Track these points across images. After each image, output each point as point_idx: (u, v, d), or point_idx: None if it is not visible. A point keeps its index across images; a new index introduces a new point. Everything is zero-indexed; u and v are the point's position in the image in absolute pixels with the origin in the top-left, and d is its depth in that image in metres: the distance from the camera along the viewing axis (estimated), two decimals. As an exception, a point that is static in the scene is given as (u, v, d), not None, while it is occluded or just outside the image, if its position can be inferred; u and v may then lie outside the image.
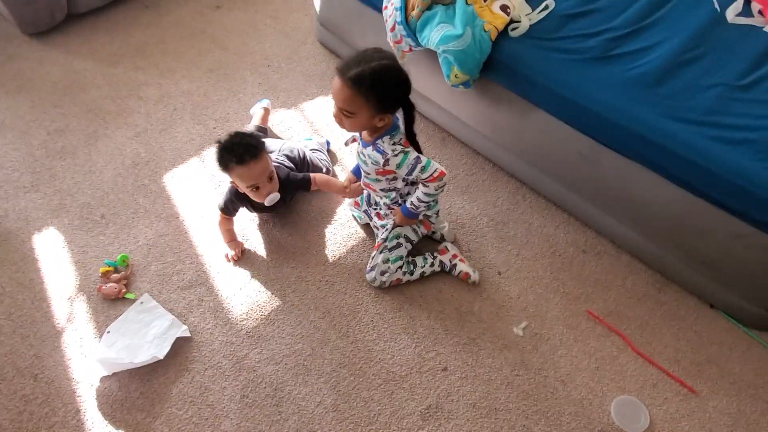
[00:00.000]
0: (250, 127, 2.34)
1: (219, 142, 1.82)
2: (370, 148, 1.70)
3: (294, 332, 1.86)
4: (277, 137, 2.42)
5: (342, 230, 2.14)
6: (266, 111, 2.42)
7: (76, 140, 2.37)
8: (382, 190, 1.86)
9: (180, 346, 1.79)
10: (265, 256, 2.04)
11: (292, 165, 2.06)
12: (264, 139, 2.00)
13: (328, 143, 2.42)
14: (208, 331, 1.84)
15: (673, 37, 1.94)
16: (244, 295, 1.94)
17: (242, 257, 2.02)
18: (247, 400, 1.71)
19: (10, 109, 2.48)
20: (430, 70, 2.19)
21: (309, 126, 2.49)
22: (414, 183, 1.80)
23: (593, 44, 1.94)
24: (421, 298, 1.96)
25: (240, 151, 1.77)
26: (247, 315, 1.89)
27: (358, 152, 1.83)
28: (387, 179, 1.80)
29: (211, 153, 2.36)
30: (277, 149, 2.12)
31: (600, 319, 1.92)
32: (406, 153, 1.66)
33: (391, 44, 2.11)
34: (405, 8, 2.01)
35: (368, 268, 1.94)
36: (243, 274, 1.99)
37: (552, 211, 2.23)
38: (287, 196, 2.02)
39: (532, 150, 2.13)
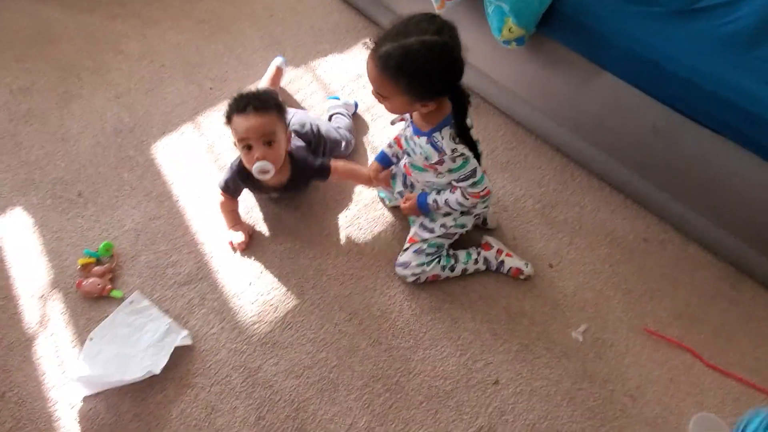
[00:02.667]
0: (262, 83, 1.99)
1: (236, 94, 1.57)
2: (424, 139, 1.41)
3: (316, 338, 1.56)
4: (296, 105, 2.07)
5: (366, 213, 1.82)
6: (278, 71, 2.06)
7: (45, 102, 1.99)
8: (426, 182, 1.59)
9: (180, 355, 1.48)
10: (277, 245, 1.72)
11: (303, 143, 1.73)
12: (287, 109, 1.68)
13: (356, 105, 2.08)
14: (213, 337, 1.53)
15: (766, -11, 1.63)
16: (254, 293, 1.62)
17: (250, 244, 1.70)
18: (263, 422, 1.41)
19: (-36, 62, 2.08)
20: (470, 23, 1.84)
21: (323, 89, 2.14)
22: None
23: (674, -6, 1.61)
24: (464, 296, 1.67)
25: (245, 100, 1.52)
26: (259, 317, 1.58)
27: (404, 136, 1.53)
28: (435, 173, 1.51)
29: (209, 118, 2.01)
30: (288, 118, 1.77)
31: (662, 336, 1.65)
32: (466, 160, 1.42)
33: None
34: (449, -55, 1.65)
35: (399, 262, 1.64)
36: (252, 266, 1.67)
37: (606, 193, 1.93)
38: (300, 183, 1.70)
39: (590, 122, 1.82)
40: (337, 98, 2.06)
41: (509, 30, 1.64)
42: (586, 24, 1.61)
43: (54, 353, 1.47)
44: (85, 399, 1.41)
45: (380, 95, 1.32)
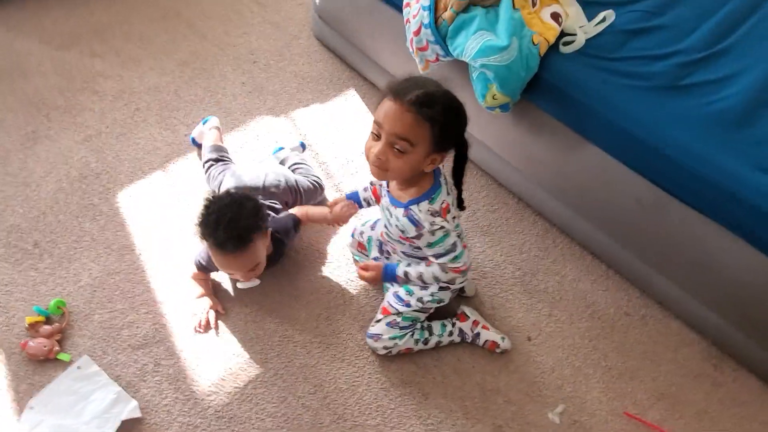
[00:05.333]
0: (206, 150, 1.85)
1: (207, 201, 1.43)
2: (401, 211, 1.33)
3: (276, 413, 1.46)
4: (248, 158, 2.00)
5: (339, 275, 1.74)
6: (219, 130, 1.97)
7: (10, 141, 1.90)
8: (403, 252, 1.50)
9: (126, 429, 1.37)
10: (242, 307, 1.63)
11: (280, 206, 1.66)
12: (260, 198, 1.59)
13: (302, 146, 2.01)
14: (165, 408, 1.43)
15: (756, 66, 1.61)
16: (214, 359, 1.52)
17: (214, 325, 1.59)
18: None
19: (-73, 95, 2.00)
20: (456, 84, 1.79)
21: (302, 139, 2.08)
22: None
23: (661, 69, 1.59)
24: (437, 369, 1.58)
25: (223, 236, 1.37)
26: (217, 387, 1.48)
27: (383, 205, 1.44)
28: (411, 246, 1.44)
29: (181, 167, 1.93)
30: (261, 179, 1.69)
31: (642, 420, 1.57)
32: (446, 234, 1.34)
33: (413, 51, 1.72)
34: (435, 8, 1.61)
35: (371, 333, 1.55)
36: (214, 330, 1.57)
37: (587, 262, 1.87)
38: (281, 251, 1.63)
39: (573, 190, 1.77)
40: (281, 148, 1.96)
41: (493, 97, 1.59)
42: (571, 94, 1.58)
43: (-11, 423, 1.36)
44: (18, 478, 1.29)
45: (403, 146, 1.18)
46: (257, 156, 1.99)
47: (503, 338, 1.61)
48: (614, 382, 1.62)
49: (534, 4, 1.64)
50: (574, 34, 1.63)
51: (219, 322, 1.59)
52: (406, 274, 1.46)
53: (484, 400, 1.54)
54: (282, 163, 1.90)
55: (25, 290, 1.57)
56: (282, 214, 1.62)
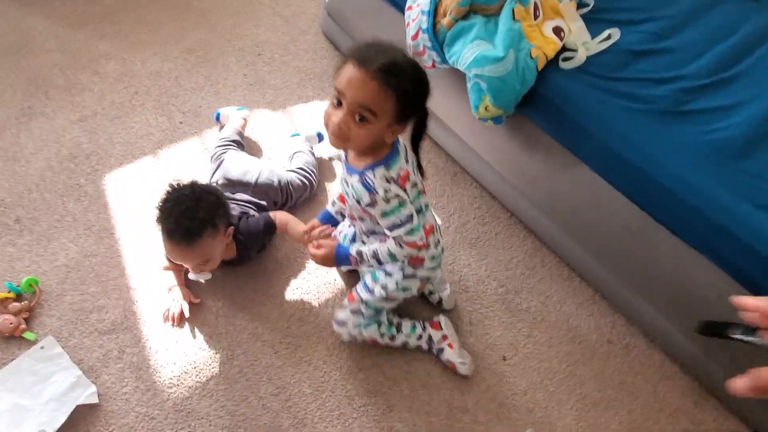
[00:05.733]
0: (227, 131, 1.89)
1: (170, 188, 1.42)
2: (357, 177, 1.24)
3: (236, 411, 1.43)
4: (260, 151, 1.99)
5: (318, 277, 1.71)
6: (245, 122, 1.98)
7: (5, 116, 1.91)
8: (369, 231, 1.40)
9: (81, 414, 1.36)
10: (215, 301, 1.61)
11: (265, 203, 1.64)
12: (231, 200, 1.60)
13: (319, 136, 2.00)
14: (124, 397, 1.41)
15: (761, 96, 1.55)
16: (179, 351, 1.51)
17: (184, 319, 1.57)
18: (158, 503, 1.28)
19: (-70, 64, 2.02)
20: (452, 92, 1.77)
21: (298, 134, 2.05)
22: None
23: (663, 93, 1.54)
24: (405, 382, 1.54)
25: (173, 226, 1.36)
26: (178, 379, 1.46)
27: (342, 178, 1.36)
28: (372, 221, 1.34)
29: (171, 154, 1.92)
30: (254, 176, 1.69)
31: None
32: (402, 203, 1.24)
33: (411, 54, 1.68)
34: (434, 13, 1.58)
35: (337, 319, 1.51)
36: (184, 322, 1.56)
37: (575, 284, 1.82)
38: (252, 251, 1.61)
39: (564, 210, 1.72)
40: (298, 134, 1.98)
41: (485, 108, 1.55)
42: (567, 112, 1.53)
43: (-54, 395, 1.35)
44: (-33, 454, 1.28)
45: (365, 116, 1.12)
46: (274, 143, 2.01)
47: (463, 363, 1.56)
48: (588, 411, 1.57)
49: (536, 17, 1.60)
50: (576, 50, 1.58)
51: (189, 314, 1.57)
52: (359, 253, 1.36)
53: (451, 417, 1.50)
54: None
55: (0, 265, 1.57)
56: (256, 216, 1.60)
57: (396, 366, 1.57)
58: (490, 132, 1.76)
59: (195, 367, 1.48)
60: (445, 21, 1.55)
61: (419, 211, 1.33)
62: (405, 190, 1.25)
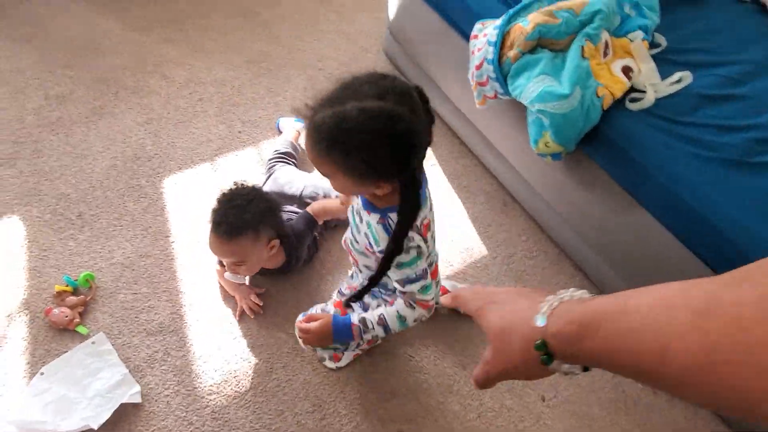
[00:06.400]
0: (280, 142, 1.93)
1: (234, 184, 1.50)
2: (376, 217, 1.14)
3: (271, 425, 1.44)
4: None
5: (361, 296, 1.72)
6: (298, 133, 2.01)
7: (77, 113, 1.99)
8: (364, 266, 1.32)
9: (125, 412, 1.40)
10: (259, 311, 1.63)
11: (298, 220, 1.67)
12: (284, 207, 1.65)
13: None
14: (165, 399, 1.44)
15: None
16: (221, 358, 1.53)
17: (259, 308, 1.61)
18: None
19: (12, 59, 2.12)
20: (511, 123, 1.76)
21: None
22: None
23: (733, 141, 1.49)
24: (439, 411, 1.52)
25: (219, 219, 1.41)
26: (218, 387, 1.48)
27: (352, 207, 1.26)
28: (376, 260, 1.19)
29: (228, 162, 1.97)
30: (299, 189, 1.73)
31: None
32: (419, 255, 1.15)
33: (472, 84, 1.68)
34: (501, 45, 1.57)
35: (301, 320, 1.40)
36: (227, 329, 1.58)
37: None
38: (299, 251, 1.62)
39: (618, 251, 1.68)
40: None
41: (545, 144, 1.53)
42: (630, 153, 1.50)
43: (1, 379, 1.41)
44: (15, 439, 1.33)
45: (323, 171, 1.06)
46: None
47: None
48: (627, 463, 1.52)
49: (605, 55, 1.57)
50: (644, 92, 1.55)
51: (233, 325, 1.59)
52: (363, 321, 1.27)
53: (484, 454, 1.48)
54: None
55: (60, 258, 1.64)
56: (295, 217, 1.63)
57: (432, 396, 1.55)
58: (547, 166, 1.74)
59: (235, 377, 1.50)
60: (511, 53, 1.54)
61: (430, 266, 1.25)
62: (426, 241, 1.15)
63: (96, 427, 1.32)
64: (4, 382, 1.41)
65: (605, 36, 1.58)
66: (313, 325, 1.32)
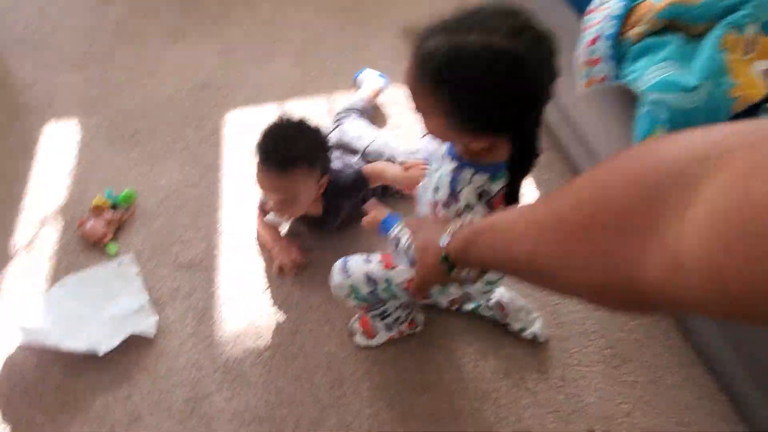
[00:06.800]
0: (355, 98, 1.78)
1: (279, 118, 1.33)
2: (452, 166, 0.97)
3: (284, 390, 1.32)
4: (381, 124, 1.86)
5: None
6: (378, 91, 1.85)
7: (156, 31, 1.93)
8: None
9: (135, 343, 1.31)
10: (298, 269, 1.50)
11: (346, 170, 1.50)
12: (337, 153, 1.48)
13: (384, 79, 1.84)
14: (180, 339, 1.34)
15: None
16: (246, 308, 1.42)
17: (301, 268, 1.47)
18: (180, 459, 1.20)
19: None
20: (614, 113, 1.53)
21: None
22: None
23: None
24: (471, 419, 1.35)
25: (270, 147, 1.26)
26: (237, 338, 1.37)
27: (436, 153, 1.07)
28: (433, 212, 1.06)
29: (297, 107, 1.84)
30: (365, 144, 1.57)
31: None
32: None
33: (581, 63, 1.46)
34: (623, 23, 1.35)
35: (338, 268, 1.26)
36: (258, 280, 1.47)
37: (699, 373, 1.51)
38: (339, 207, 1.46)
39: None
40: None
41: (655, 141, 1.30)
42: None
43: (21, 281, 1.35)
44: (21, 348, 1.26)
45: (421, 109, 0.90)
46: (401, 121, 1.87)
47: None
48: None
49: (748, 51, 1.32)
50: (788, 101, 1.29)
51: (266, 277, 1.47)
52: (397, 238, 1.06)
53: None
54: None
55: (107, 171, 1.57)
56: (348, 171, 1.45)
57: (466, 399, 1.37)
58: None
59: (256, 331, 1.39)
60: (634, 31, 1.32)
61: None
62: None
63: (101, 353, 1.24)
64: (26, 284, 1.35)
65: (752, 29, 1.33)
66: (373, 215, 1.11)
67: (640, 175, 0.39)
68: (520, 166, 0.91)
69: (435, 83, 0.82)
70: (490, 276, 1.03)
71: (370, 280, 1.20)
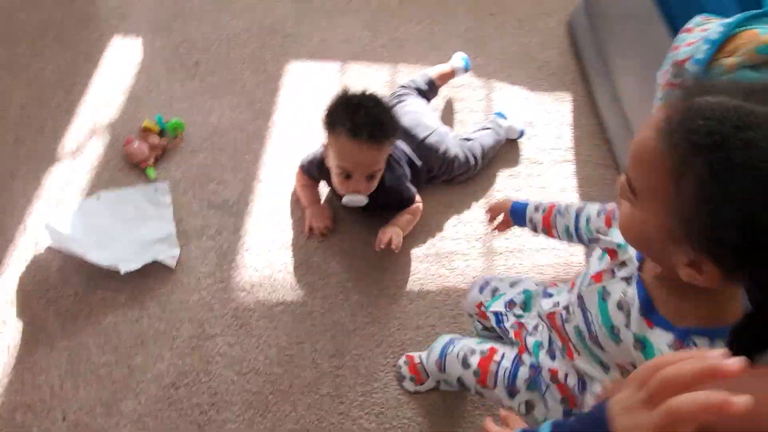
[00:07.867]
0: (421, 74, 1.71)
1: (345, 92, 1.28)
2: (667, 337, 0.67)
3: (286, 349, 1.32)
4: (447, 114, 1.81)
5: (450, 261, 1.50)
6: (452, 72, 1.78)
7: (236, -34, 1.91)
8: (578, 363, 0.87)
9: (155, 270, 1.33)
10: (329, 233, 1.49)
11: (420, 165, 1.47)
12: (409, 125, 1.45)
13: (521, 133, 1.75)
14: (197, 277, 1.36)
15: None
16: (267, 261, 1.42)
17: (329, 234, 1.47)
18: (173, 391, 1.22)
19: None
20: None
21: (487, 112, 1.83)
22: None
23: None
24: (473, 427, 1.33)
25: (362, 120, 1.21)
26: (251, 287, 1.37)
27: (603, 288, 0.78)
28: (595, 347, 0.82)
29: (358, 72, 1.81)
30: (424, 133, 1.49)
31: None
32: None
33: (660, 84, 1.37)
34: (718, 48, 1.25)
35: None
36: (286, 235, 1.46)
37: None
38: (377, 207, 1.42)
39: None
40: (504, 117, 1.74)
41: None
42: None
43: (61, 185, 1.38)
44: (49, 249, 1.30)
45: (628, 187, 0.63)
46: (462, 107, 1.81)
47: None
48: None
49: None
50: None
51: (293, 234, 1.46)
52: (533, 221, 1.06)
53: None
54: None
55: (162, 97, 1.58)
56: (409, 186, 1.43)
57: (463, 400, 1.35)
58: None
59: (271, 285, 1.39)
60: (728, 61, 1.22)
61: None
62: None
63: (122, 272, 1.26)
64: (65, 189, 1.38)
65: None
66: (498, 203, 1.11)
67: None
68: (761, 329, 0.59)
69: (678, 150, 0.55)
70: None
71: (462, 385, 1.06)
